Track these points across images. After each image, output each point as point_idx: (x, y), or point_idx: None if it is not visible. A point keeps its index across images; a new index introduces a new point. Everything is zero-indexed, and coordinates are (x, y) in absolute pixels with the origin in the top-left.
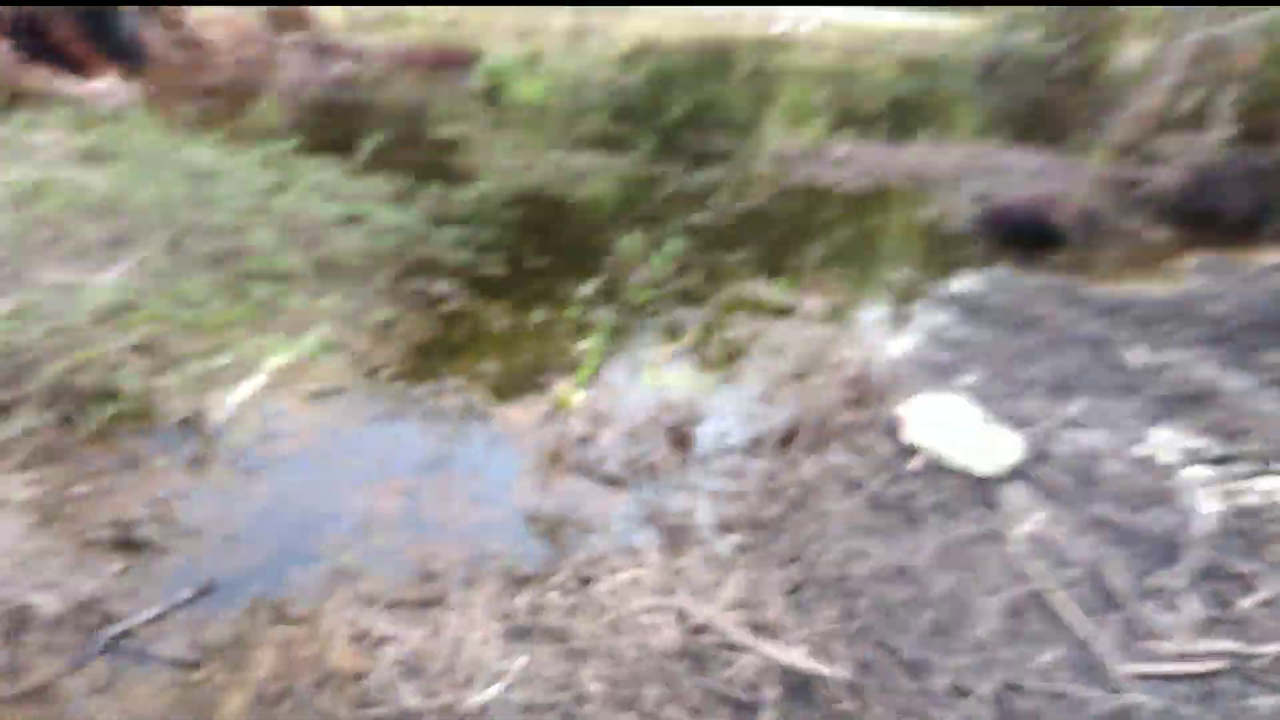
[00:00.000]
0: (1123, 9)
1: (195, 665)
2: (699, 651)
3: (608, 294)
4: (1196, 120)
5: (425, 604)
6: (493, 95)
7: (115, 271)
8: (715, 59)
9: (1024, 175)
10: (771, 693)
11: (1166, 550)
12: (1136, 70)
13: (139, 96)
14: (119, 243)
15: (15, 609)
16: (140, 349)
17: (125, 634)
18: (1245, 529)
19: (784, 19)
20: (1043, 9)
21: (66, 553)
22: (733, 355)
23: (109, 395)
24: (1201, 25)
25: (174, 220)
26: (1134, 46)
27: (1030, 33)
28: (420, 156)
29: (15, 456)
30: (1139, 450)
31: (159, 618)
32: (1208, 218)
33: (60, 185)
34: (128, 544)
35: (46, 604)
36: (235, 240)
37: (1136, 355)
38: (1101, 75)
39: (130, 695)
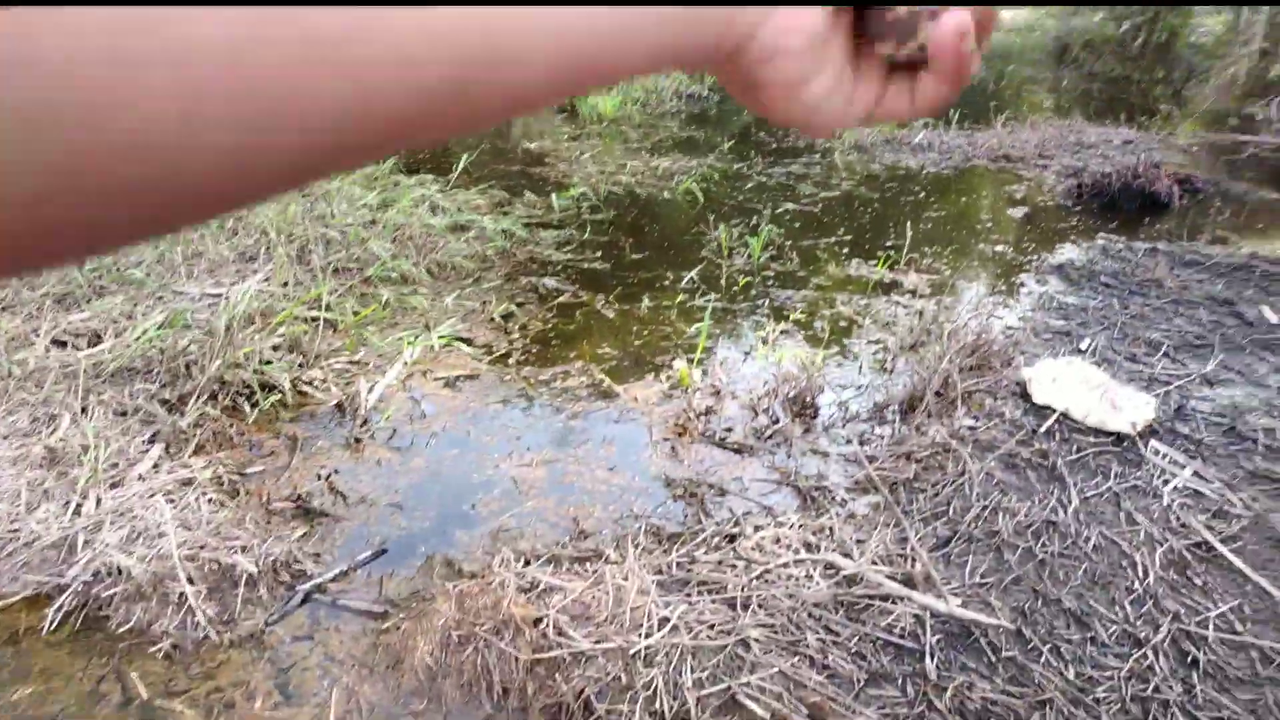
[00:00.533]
0: None
1: (383, 615)
2: (853, 602)
3: (708, 281)
4: None
5: (583, 559)
6: (571, 110)
7: (251, 283)
8: None
9: (1113, 149)
10: (933, 639)
11: None
12: (1214, 42)
13: None
14: (249, 258)
15: (220, 568)
16: (286, 347)
17: (319, 588)
18: None
19: None
20: None
21: (253, 521)
22: (842, 330)
23: (266, 387)
24: None
25: (295, 236)
26: (1207, 20)
27: (1096, 14)
28: (510, 169)
29: (194, 443)
30: None
31: (344, 574)
32: None
33: None
34: (305, 513)
35: (245, 563)
36: (354, 251)
37: (1268, 313)
38: (1177, 49)
39: (330, 641)
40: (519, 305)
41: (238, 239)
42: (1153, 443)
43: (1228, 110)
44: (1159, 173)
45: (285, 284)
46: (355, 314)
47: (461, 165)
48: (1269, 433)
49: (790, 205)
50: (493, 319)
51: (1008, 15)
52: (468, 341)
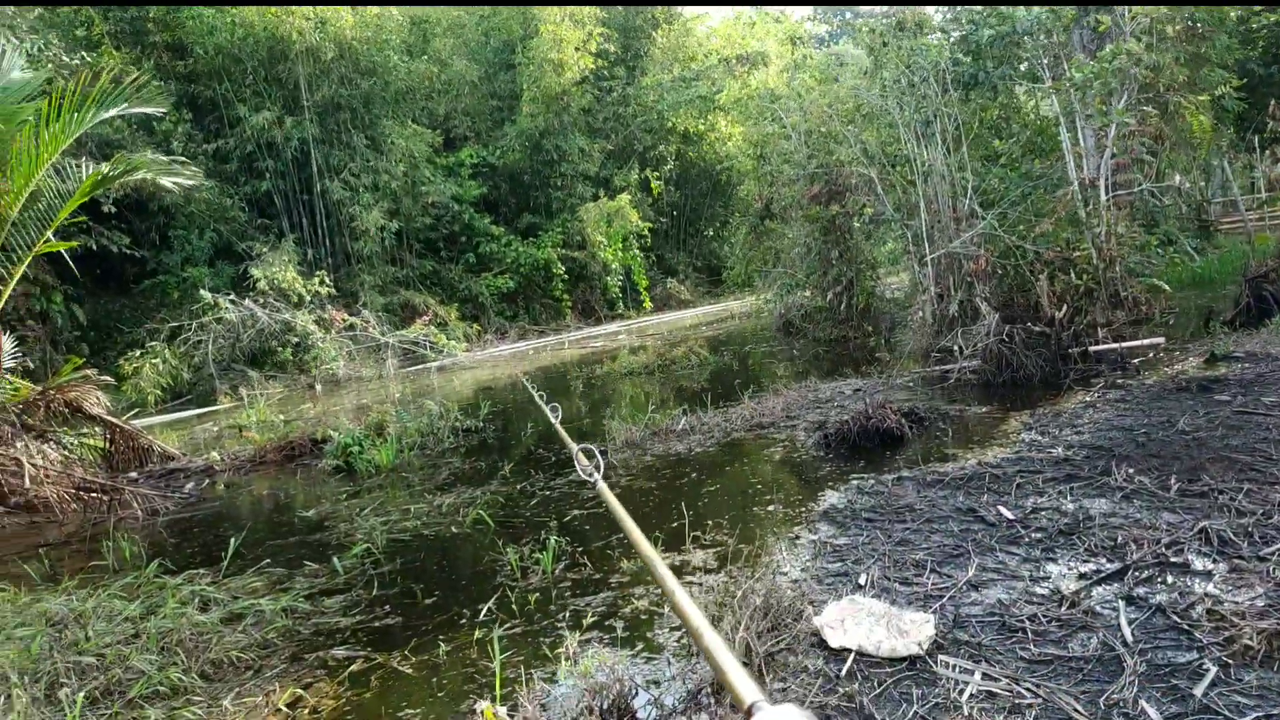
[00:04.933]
0: (868, 258)
1: None
2: None
3: (505, 608)
4: (965, 317)
5: None
6: (348, 469)
7: None
8: (548, 384)
9: (846, 398)
10: None
11: (1108, 666)
12: (904, 294)
13: None
14: None
15: None
16: None
17: None
18: (1169, 624)
19: (598, 336)
20: (803, 273)
21: None
22: (643, 624)
23: None
24: (940, 248)
25: (40, 673)
26: (889, 280)
27: (804, 292)
28: (288, 543)
29: None
30: (1042, 588)
31: None
32: (1011, 387)
33: None
34: None
35: None
36: (115, 672)
37: (1004, 511)
38: (875, 306)
39: None
40: (307, 687)
41: None
42: (941, 657)
43: (929, 347)
44: (886, 411)
45: None
46: None
47: (232, 550)
48: (1033, 619)
49: (577, 511)
50: (279, 710)
51: (737, 304)
52: None
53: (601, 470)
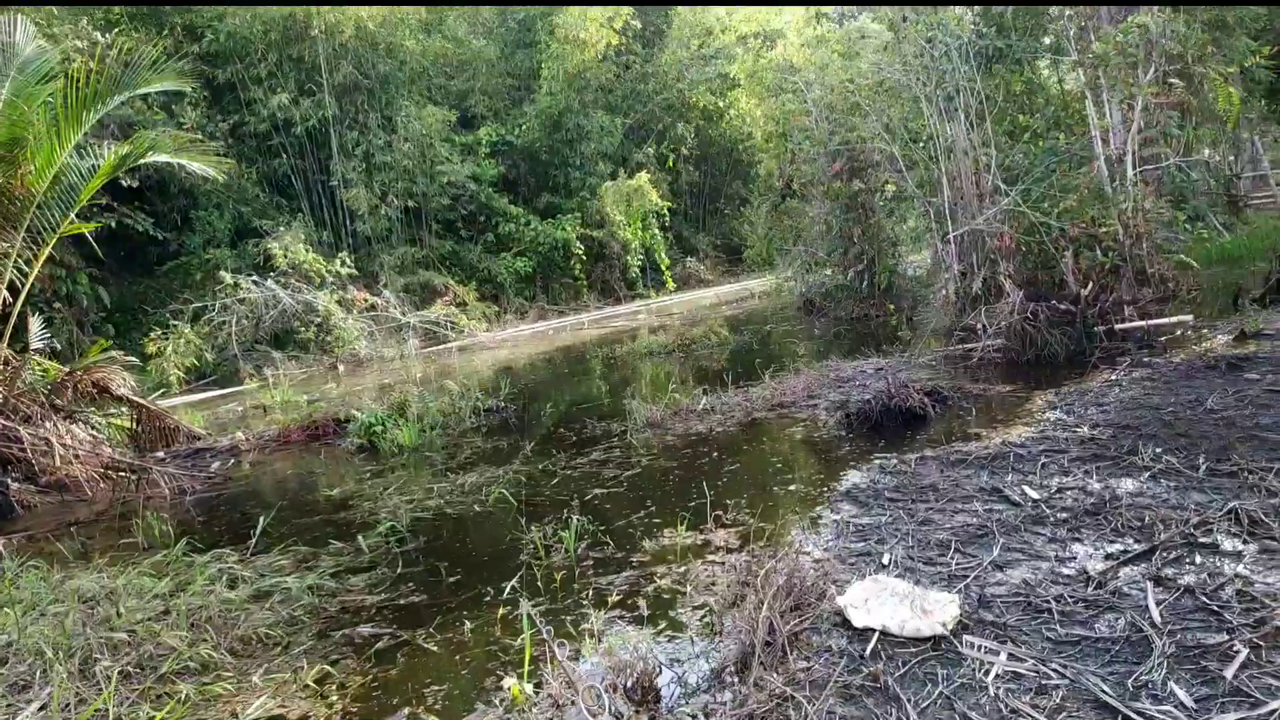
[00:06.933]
0: (890, 236)
1: None
2: None
3: (529, 586)
4: (989, 295)
5: None
6: (371, 449)
7: (23, 717)
8: (568, 365)
9: (868, 377)
10: None
11: (1136, 647)
12: (925, 272)
13: (10, 549)
14: (22, 688)
15: None
16: None
17: None
18: (1199, 605)
19: (618, 316)
20: (825, 251)
21: None
22: (666, 603)
23: None
24: (963, 225)
25: (75, 649)
26: (911, 257)
27: (825, 271)
28: (313, 521)
29: None
30: (1068, 569)
31: None
32: (1036, 365)
33: None
34: None
35: None
36: (146, 648)
37: (1029, 491)
38: (897, 285)
39: None
40: (334, 664)
41: (7, 668)
42: (966, 637)
43: (952, 325)
44: (909, 390)
45: (66, 706)
46: None
47: (260, 529)
48: (1059, 599)
49: (598, 490)
50: (307, 686)
51: (758, 283)
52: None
53: None
